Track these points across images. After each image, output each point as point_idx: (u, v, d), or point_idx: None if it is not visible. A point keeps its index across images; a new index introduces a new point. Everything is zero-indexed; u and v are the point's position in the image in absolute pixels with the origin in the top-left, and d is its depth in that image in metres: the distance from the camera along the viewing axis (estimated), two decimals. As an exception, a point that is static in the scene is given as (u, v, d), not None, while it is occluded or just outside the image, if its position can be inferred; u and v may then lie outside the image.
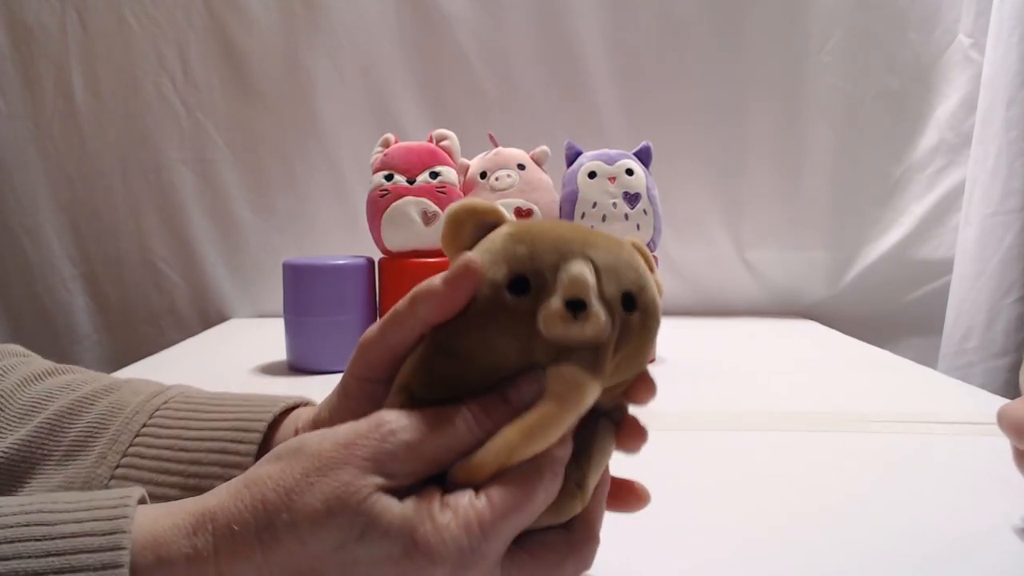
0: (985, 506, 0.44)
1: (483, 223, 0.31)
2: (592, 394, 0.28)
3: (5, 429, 0.36)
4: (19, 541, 0.24)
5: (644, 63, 1.18)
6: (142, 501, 0.28)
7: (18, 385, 0.39)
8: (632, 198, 0.82)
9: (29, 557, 0.24)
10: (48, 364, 0.41)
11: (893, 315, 1.20)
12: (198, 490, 0.33)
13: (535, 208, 0.83)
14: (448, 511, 0.26)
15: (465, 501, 0.27)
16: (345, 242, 1.09)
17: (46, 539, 0.24)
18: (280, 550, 0.26)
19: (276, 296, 0.85)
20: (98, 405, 0.37)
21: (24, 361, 0.41)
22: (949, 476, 0.50)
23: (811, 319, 1.19)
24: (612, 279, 0.29)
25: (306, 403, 0.40)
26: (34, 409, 0.37)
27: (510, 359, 0.28)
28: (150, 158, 1.19)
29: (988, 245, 1.00)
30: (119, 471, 0.35)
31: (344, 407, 0.33)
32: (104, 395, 0.38)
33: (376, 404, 0.30)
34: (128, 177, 1.20)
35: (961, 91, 1.15)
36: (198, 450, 0.35)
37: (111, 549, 0.24)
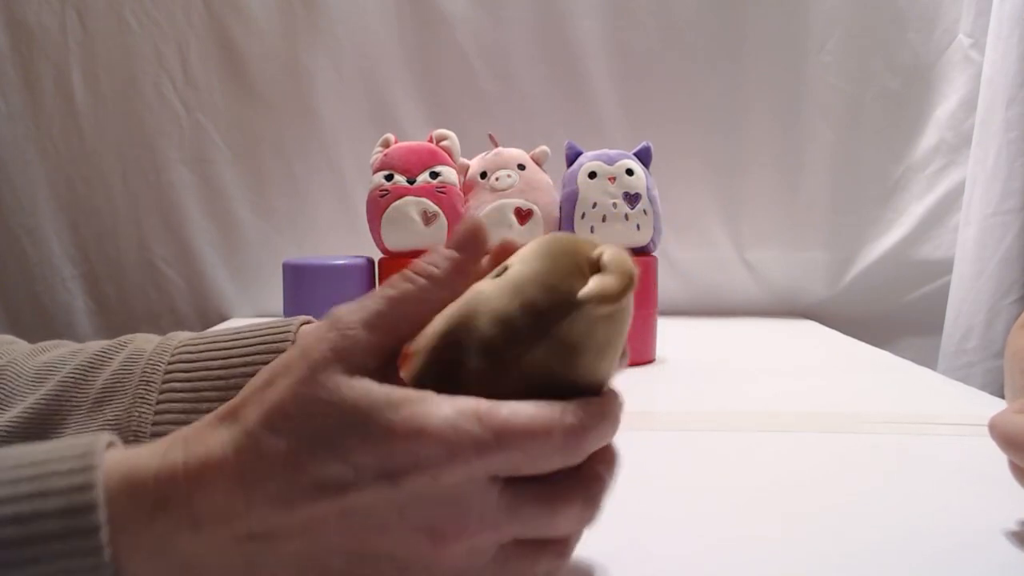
0: (984, 507, 0.44)
1: None
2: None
3: (25, 392, 0.37)
4: None
5: (644, 63, 1.18)
6: (110, 445, 0.27)
7: (25, 356, 0.40)
8: (632, 198, 0.82)
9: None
10: (43, 343, 0.42)
11: (893, 315, 1.20)
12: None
13: (535, 208, 0.83)
14: (445, 402, 0.26)
15: (468, 400, 0.26)
16: (345, 242, 1.09)
17: (17, 467, 0.24)
18: (250, 454, 0.25)
19: (276, 296, 0.85)
20: (117, 357, 0.38)
21: (19, 345, 0.42)
22: (949, 477, 0.50)
23: (811, 319, 1.19)
24: None
25: (310, 321, 0.41)
26: (51, 372, 0.38)
27: None
28: (150, 158, 1.19)
29: (988, 245, 1.00)
30: (160, 407, 0.36)
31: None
32: (119, 348, 0.39)
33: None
34: (128, 177, 1.20)
35: (961, 91, 1.15)
36: (232, 375, 0.36)
37: (82, 470, 0.24)
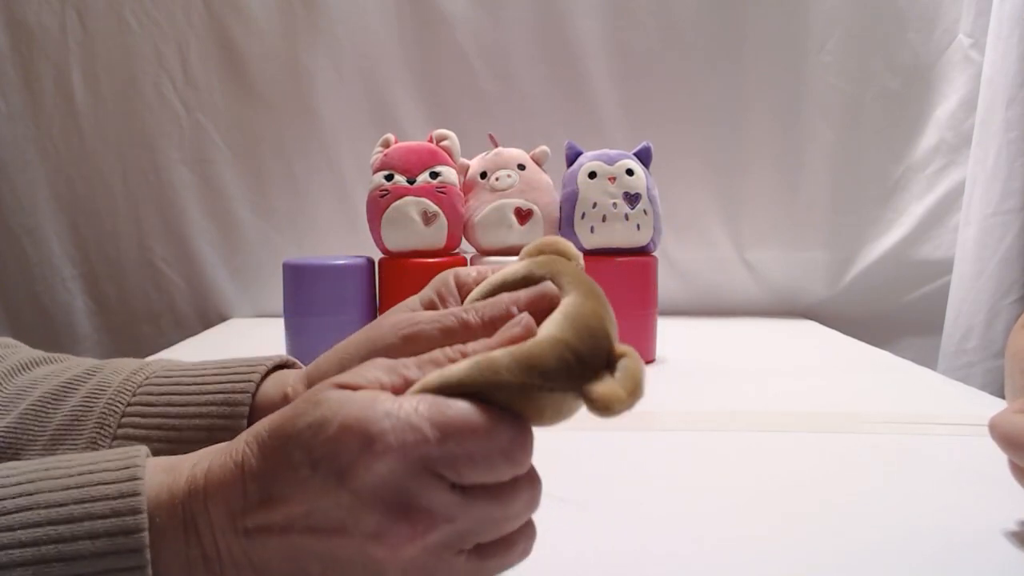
0: (984, 507, 0.44)
1: None
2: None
3: None
4: (40, 480, 0.26)
5: (644, 63, 1.18)
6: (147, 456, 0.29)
7: (5, 375, 0.39)
8: (632, 198, 0.82)
9: (50, 491, 0.26)
10: (37, 353, 0.42)
11: (893, 315, 1.20)
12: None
13: (535, 208, 0.83)
14: (397, 400, 0.27)
15: (413, 400, 0.27)
16: (345, 242, 1.09)
17: (65, 476, 0.27)
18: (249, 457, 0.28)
19: (276, 296, 0.85)
20: (81, 389, 0.38)
21: (13, 351, 0.41)
22: (949, 477, 0.50)
23: (811, 319, 1.19)
24: None
25: (289, 364, 0.40)
26: (19, 397, 0.38)
27: None
28: (150, 158, 1.19)
29: (988, 245, 1.00)
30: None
31: (336, 360, 0.37)
32: (86, 379, 0.38)
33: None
34: (128, 177, 1.20)
35: (961, 91, 1.15)
36: (188, 427, 0.36)
37: (128, 479, 0.27)
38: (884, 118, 1.18)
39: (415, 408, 0.26)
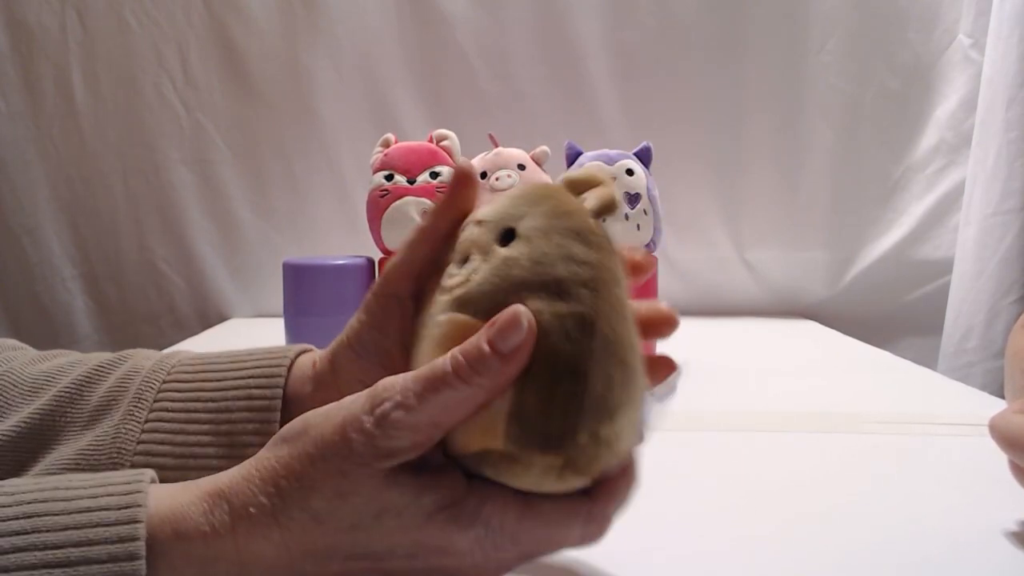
0: (984, 507, 0.44)
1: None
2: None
3: (20, 403, 0.37)
4: (37, 516, 0.25)
5: (644, 63, 1.17)
6: (152, 481, 0.28)
7: (26, 364, 0.39)
8: (632, 198, 0.82)
9: (47, 531, 0.25)
10: (48, 352, 0.42)
11: (893, 315, 1.20)
12: (230, 435, 0.35)
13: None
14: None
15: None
16: (345, 242, 1.09)
17: (63, 514, 0.25)
18: (297, 529, 0.27)
19: (276, 296, 0.85)
20: (115, 372, 0.38)
21: (22, 352, 0.42)
22: (949, 477, 0.50)
23: (811, 319, 1.19)
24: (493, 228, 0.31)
25: (306, 350, 0.41)
26: (48, 383, 0.38)
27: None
28: (150, 158, 1.19)
29: (988, 245, 1.00)
30: (148, 425, 0.35)
31: (368, 324, 0.36)
32: (118, 364, 0.39)
33: (396, 320, 0.34)
34: (128, 177, 1.20)
35: (961, 91, 1.15)
36: (224, 399, 0.36)
37: (127, 523, 0.25)
38: (884, 118, 1.18)
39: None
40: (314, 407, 0.31)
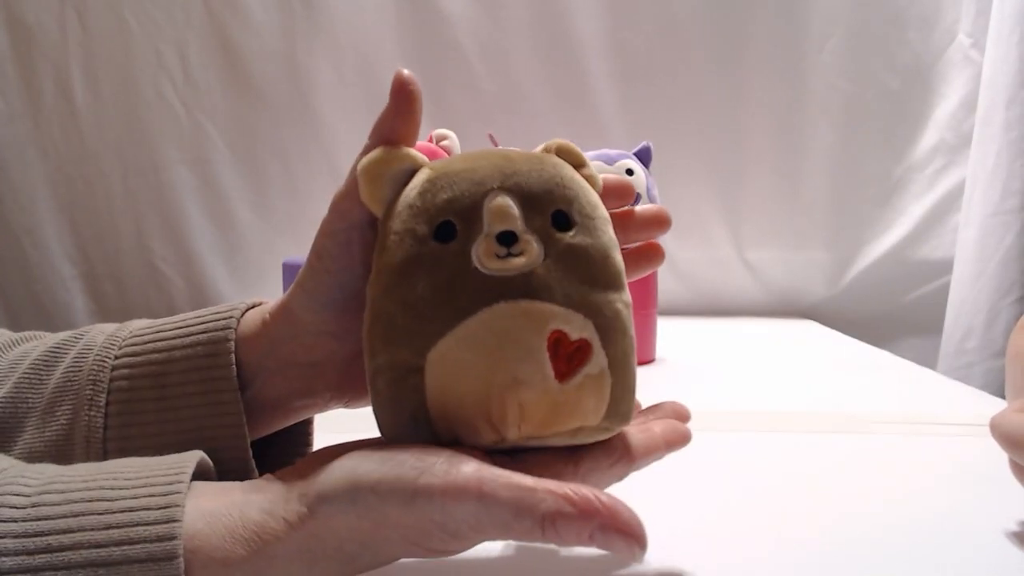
0: (984, 507, 0.44)
1: (401, 172, 0.31)
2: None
3: None
4: (83, 515, 0.26)
5: (644, 63, 1.18)
6: (200, 466, 0.29)
7: None
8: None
9: (92, 530, 0.25)
10: (20, 334, 0.42)
11: (893, 315, 1.20)
12: (176, 410, 0.35)
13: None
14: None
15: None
16: (345, 242, 1.09)
17: (107, 513, 0.26)
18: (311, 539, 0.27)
19: (276, 296, 0.85)
20: (70, 352, 0.38)
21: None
22: (949, 477, 0.50)
23: (811, 319, 1.19)
24: (538, 203, 0.30)
25: (257, 303, 0.40)
26: (12, 370, 0.38)
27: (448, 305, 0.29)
28: (150, 158, 1.19)
29: (988, 245, 1.00)
30: (111, 408, 0.35)
31: (321, 269, 0.34)
32: (73, 342, 0.39)
33: (351, 253, 0.33)
34: (128, 177, 1.20)
35: (961, 91, 1.15)
36: (173, 372, 0.36)
37: (165, 522, 0.26)
38: (884, 118, 1.18)
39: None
40: (270, 366, 0.35)
